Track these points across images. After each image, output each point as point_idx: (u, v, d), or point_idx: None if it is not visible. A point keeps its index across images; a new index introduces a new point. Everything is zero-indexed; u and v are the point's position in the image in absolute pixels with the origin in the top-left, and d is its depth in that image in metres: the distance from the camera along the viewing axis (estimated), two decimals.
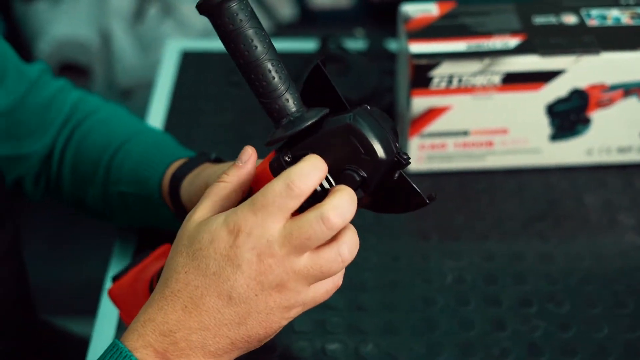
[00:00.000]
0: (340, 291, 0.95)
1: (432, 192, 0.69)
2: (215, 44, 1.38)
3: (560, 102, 1.07)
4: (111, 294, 0.88)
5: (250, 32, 0.67)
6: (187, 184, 0.88)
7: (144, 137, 0.99)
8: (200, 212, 0.69)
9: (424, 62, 1.03)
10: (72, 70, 2.00)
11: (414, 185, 0.69)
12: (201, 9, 0.68)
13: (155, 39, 1.96)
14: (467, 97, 1.06)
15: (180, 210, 0.89)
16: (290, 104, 0.69)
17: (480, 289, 0.98)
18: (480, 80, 1.04)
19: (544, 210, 1.08)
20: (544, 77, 1.05)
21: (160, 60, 1.34)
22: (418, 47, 1.05)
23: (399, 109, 1.14)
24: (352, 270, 0.97)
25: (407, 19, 1.09)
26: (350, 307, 0.96)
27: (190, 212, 0.69)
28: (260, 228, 0.64)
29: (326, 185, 0.68)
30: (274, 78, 0.68)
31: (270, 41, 0.69)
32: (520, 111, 1.07)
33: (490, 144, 1.10)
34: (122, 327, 0.95)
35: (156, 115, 1.23)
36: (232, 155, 0.87)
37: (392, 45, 1.29)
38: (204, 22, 1.95)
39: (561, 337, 0.93)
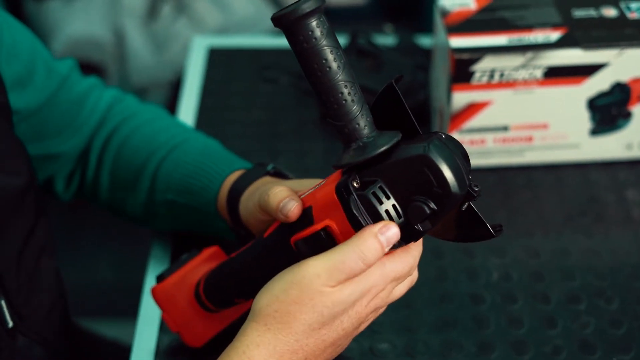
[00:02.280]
0: None
1: (497, 224, 0.67)
2: (242, 40, 1.37)
3: (601, 96, 1.05)
4: (154, 294, 0.86)
5: (326, 50, 0.65)
6: (246, 199, 0.85)
7: (192, 144, 0.96)
8: (337, 284, 0.68)
9: (465, 56, 1.02)
10: (86, 69, 1.98)
11: (482, 217, 0.67)
12: (277, 22, 0.65)
13: (170, 37, 1.94)
14: (508, 91, 1.04)
15: (237, 223, 0.87)
16: (362, 127, 0.67)
17: (528, 286, 0.97)
18: (522, 75, 1.03)
19: (585, 205, 1.07)
20: (586, 70, 1.03)
21: (186, 58, 1.33)
22: (459, 42, 1.03)
23: (435, 105, 1.12)
24: None
25: (444, 13, 1.08)
26: (397, 305, 0.94)
27: (323, 278, 0.68)
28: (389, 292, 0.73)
29: (393, 213, 0.66)
30: (346, 101, 0.66)
31: (346, 61, 0.66)
32: (561, 105, 1.06)
33: (529, 139, 1.09)
34: (164, 330, 0.93)
35: (186, 113, 1.21)
36: (261, 151, 0.86)
37: (423, 40, 1.28)
38: (219, 19, 1.93)
39: (613, 333, 0.92)
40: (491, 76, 1.03)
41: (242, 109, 1.22)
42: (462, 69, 1.02)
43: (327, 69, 0.65)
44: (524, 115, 1.07)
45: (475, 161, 1.10)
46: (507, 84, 1.04)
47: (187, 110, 1.21)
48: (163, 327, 0.94)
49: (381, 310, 0.75)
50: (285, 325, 0.69)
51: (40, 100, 0.94)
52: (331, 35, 0.66)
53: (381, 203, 0.66)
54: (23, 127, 0.93)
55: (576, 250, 1.01)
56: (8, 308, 0.85)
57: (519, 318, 0.93)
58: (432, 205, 0.65)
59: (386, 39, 1.30)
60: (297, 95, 1.24)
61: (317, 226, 0.70)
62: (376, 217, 0.67)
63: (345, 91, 0.66)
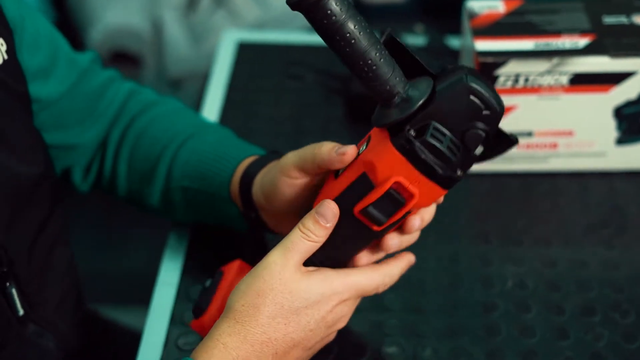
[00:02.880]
0: (397, 292, 0.94)
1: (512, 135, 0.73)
2: (272, 36, 1.37)
3: (629, 104, 1.03)
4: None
5: (349, 23, 0.67)
6: (260, 178, 0.87)
7: (208, 133, 0.97)
8: (293, 269, 0.74)
9: (490, 60, 1.01)
10: (123, 59, 1.99)
11: (502, 129, 0.72)
12: (296, 6, 0.66)
13: (208, 30, 1.94)
14: (533, 97, 1.03)
15: (249, 208, 0.88)
16: (397, 83, 0.69)
17: (542, 296, 0.95)
18: (547, 81, 1.01)
19: (608, 216, 1.05)
20: (613, 78, 1.01)
21: (215, 52, 1.33)
22: (484, 45, 1.02)
23: None
24: (411, 271, 0.95)
25: (472, 15, 1.06)
26: (408, 309, 0.94)
27: (279, 264, 0.73)
28: (352, 306, 0.79)
29: (454, 149, 0.69)
30: (377, 64, 0.68)
31: (366, 24, 0.68)
32: (587, 113, 1.04)
33: (554, 145, 1.07)
34: (175, 321, 0.93)
35: (211, 107, 1.21)
36: (286, 149, 0.85)
37: (453, 41, 1.27)
38: (257, 13, 1.93)
39: (626, 348, 0.90)
40: (516, 81, 1.02)
41: (268, 105, 1.22)
42: (486, 73, 1.01)
43: (352, 41, 0.67)
44: (548, 121, 1.05)
45: (498, 166, 1.09)
46: (532, 89, 1.02)
47: (213, 104, 1.21)
48: (173, 319, 0.94)
49: (341, 325, 0.79)
50: (252, 317, 0.73)
51: (61, 91, 0.95)
52: (349, 5, 0.67)
53: (441, 142, 0.69)
54: (43, 116, 0.94)
55: (595, 262, 0.99)
56: (19, 296, 0.86)
57: (531, 328, 0.92)
58: (485, 127, 0.69)
59: (416, 39, 1.29)
60: (323, 93, 1.23)
61: (385, 185, 0.71)
62: (441, 157, 0.70)
63: (374, 55, 0.68)
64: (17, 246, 0.85)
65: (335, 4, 0.66)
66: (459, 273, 0.98)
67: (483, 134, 0.69)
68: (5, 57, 0.85)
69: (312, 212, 0.74)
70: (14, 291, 0.85)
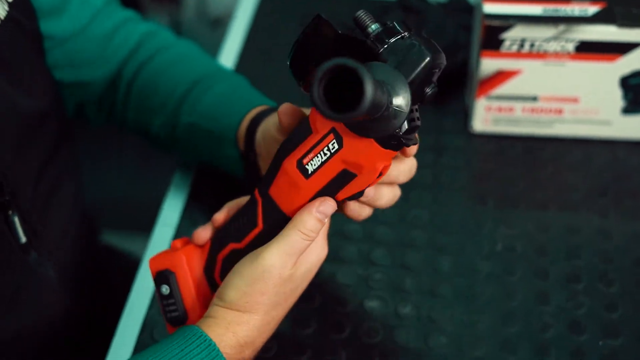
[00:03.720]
0: (386, 248, 0.96)
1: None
2: None
3: (635, 75, 1.03)
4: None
5: None
6: (262, 128, 0.90)
7: (222, 79, 1.00)
8: (291, 266, 0.77)
9: (496, 23, 1.01)
10: None
11: None
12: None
13: None
14: (538, 62, 1.03)
15: (250, 148, 0.92)
16: (385, 95, 0.66)
17: (530, 260, 0.97)
18: (553, 47, 1.01)
19: (608, 184, 1.05)
20: (620, 48, 1.01)
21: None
22: (492, 7, 1.02)
23: (471, 67, 1.12)
24: (402, 227, 0.97)
25: None
26: (395, 265, 0.96)
27: (278, 267, 0.76)
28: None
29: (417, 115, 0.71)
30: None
31: None
32: (592, 81, 1.04)
33: (559, 111, 1.07)
34: None
35: (229, 52, 1.23)
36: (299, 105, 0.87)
37: None
38: None
39: (606, 317, 0.91)
40: (521, 45, 1.02)
41: (285, 57, 1.23)
42: (492, 36, 1.02)
43: None
44: (554, 87, 1.05)
45: (502, 128, 1.10)
46: (538, 54, 1.02)
47: (230, 50, 1.24)
48: None
49: None
50: (257, 311, 0.78)
51: (73, 29, 0.99)
52: None
53: (419, 119, 0.71)
54: (56, 53, 0.98)
55: (588, 229, 1.00)
56: (21, 224, 0.90)
57: (513, 291, 0.94)
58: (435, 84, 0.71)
59: None
60: None
61: (374, 174, 0.73)
62: (414, 130, 0.71)
63: None
64: (21, 177, 0.89)
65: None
66: (451, 233, 1.00)
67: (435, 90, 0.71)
68: None
69: (312, 212, 0.75)
70: (16, 219, 0.89)
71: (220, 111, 0.96)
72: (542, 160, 1.08)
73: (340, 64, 0.59)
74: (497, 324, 0.91)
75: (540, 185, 1.05)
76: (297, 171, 0.74)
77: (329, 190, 0.74)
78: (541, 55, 1.02)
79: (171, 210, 1.04)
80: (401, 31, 0.70)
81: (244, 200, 0.84)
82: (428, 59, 0.68)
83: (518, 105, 1.07)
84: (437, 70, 0.70)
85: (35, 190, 0.92)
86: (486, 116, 1.08)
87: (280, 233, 0.76)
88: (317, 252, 0.80)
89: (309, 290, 0.83)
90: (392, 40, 0.69)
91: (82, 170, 1.08)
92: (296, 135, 0.75)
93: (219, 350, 0.75)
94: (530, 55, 1.02)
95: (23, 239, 0.91)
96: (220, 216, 0.85)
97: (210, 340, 0.75)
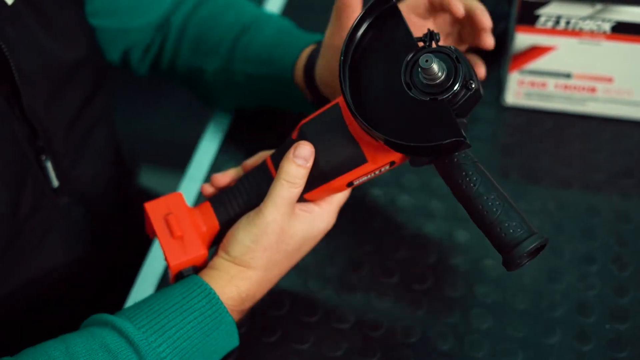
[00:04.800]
0: (406, 216, 0.98)
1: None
2: None
3: None
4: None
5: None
6: (321, 55, 0.92)
7: (271, 22, 1.02)
8: (289, 218, 0.81)
9: None
10: None
11: None
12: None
13: None
14: (573, 40, 1.02)
15: (312, 86, 0.94)
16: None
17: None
18: (589, 25, 1.01)
19: (633, 166, 1.05)
20: None
21: None
22: None
23: (508, 40, 1.11)
24: (422, 196, 0.99)
25: None
26: (412, 234, 0.98)
27: (278, 220, 0.80)
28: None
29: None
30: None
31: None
32: (627, 62, 1.03)
33: (592, 89, 1.07)
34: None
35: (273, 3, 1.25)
36: None
37: None
38: None
39: (615, 300, 0.92)
40: (557, 22, 1.01)
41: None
42: (527, 11, 1.01)
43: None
44: (588, 65, 1.05)
45: (534, 103, 1.10)
46: (573, 32, 1.02)
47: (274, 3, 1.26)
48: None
49: None
50: (260, 267, 0.81)
51: None
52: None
53: None
54: (97, 2, 1.00)
55: (608, 210, 1.00)
56: (54, 169, 0.94)
57: (525, 266, 0.94)
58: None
59: None
60: None
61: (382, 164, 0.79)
62: None
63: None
64: (55, 123, 0.93)
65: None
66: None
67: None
68: None
69: (290, 158, 0.78)
70: (49, 164, 0.93)
71: (273, 54, 0.98)
72: (570, 138, 1.08)
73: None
74: (506, 298, 0.93)
75: (565, 163, 1.06)
76: (345, 187, 0.81)
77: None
78: (576, 33, 1.02)
79: (207, 150, 1.08)
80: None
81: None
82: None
83: (551, 81, 1.07)
84: None
85: (68, 136, 0.95)
86: (519, 90, 1.09)
87: (270, 188, 0.79)
88: (326, 220, 0.82)
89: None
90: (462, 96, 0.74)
91: (115, 117, 1.11)
92: (345, 159, 0.78)
93: (218, 299, 0.79)
94: (566, 32, 1.02)
95: (55, 183, 0.94)
96: (250, 162, 0.88)
97: (211, 289, 0.79)
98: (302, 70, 0.95)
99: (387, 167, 0.79)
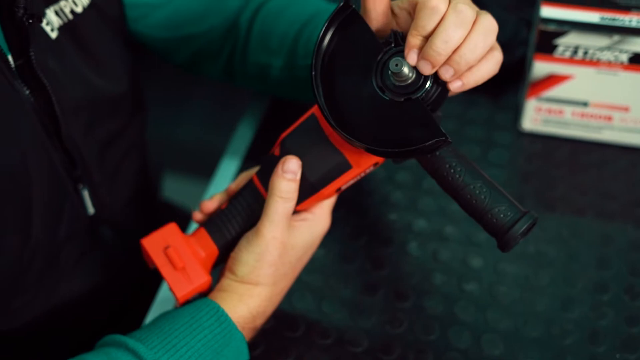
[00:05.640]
0: (421, 239, 0.99)
1: None
2: None
3: None
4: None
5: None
6: None
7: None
8: (287, 232, 0.83)
9: (551, 28, 1.01)
10: None
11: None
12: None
13: None
14: (590, 69, 1.03)
15: None
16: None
17: (559, 265, 0.99)
18: (606, 56, 1.02)
19: None
20: None
21: None
22: (550, 11, 1.02)
23: (526, 66, 1.12)
24: (438, 220, 1.01)
25: None
26: (426, 257, 0.99)
27: (278, 237, 0.82)
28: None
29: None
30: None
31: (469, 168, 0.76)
32: None
33: (609, 118, 1.08)
34: None
35: None
36: None
37: None
38: None
39: (626, 330, 0.93)
40: (575, 52, 1.02)
41: None
42: (546, 40, 1.02)
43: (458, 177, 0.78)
44: (605, 94, 1.06)
45: (551, 129, 1.11)
46: (591, 62, 1.03)
47: None
48: None
49: None
50: (267, 283, 0.84)
51: None
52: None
53: None
54: (158, 15, 1.02)
55: (622, 239, 1.01)
56: (91, 197, 0.96)
57: (539, 294, 0.96)
58: None
59: None
60: None
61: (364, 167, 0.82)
62: None
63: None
64: (92, 153, 0.95)
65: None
66: (484, 231, 1.02)
67: None
68: None
69: (279, 174, 0.81)
70: (85, 193, 0.95)
71: None
72: (586, 165, 1.09)
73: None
74: (518, 325, 0.94)
75: (581, 190, 1.06)
76: (334, 193, 0.83)
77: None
78: (594, 63, 1.03)
79: (232, 159, 1.11)
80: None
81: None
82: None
83: (568, 109, 1.08)
84: None
85: (103, 164, 0.97)
86: (536, 116, 1.10)
87: (265, 206, 0.82)
88: (321, 224, 0.86)
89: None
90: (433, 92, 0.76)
91: (148, 141, 1.13)
92: (330, 168, 0.81)
93: (227, 316, 0.80)
94: (584, 62, 1.03)
95: (91, 210, 0.97)
96: (234, 185, 0.90)
97: (219, 307, 0.81)
98: None
99: (372, 168, 0.81)
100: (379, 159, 0.80)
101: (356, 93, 0.77)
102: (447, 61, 0.73)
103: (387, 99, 0.76)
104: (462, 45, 0.73)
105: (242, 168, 1.11)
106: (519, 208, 0.75)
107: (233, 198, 0.87)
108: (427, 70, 0.73)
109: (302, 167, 0.81)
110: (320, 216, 0.86)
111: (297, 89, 1.04)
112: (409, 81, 0.75)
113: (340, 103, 0.77)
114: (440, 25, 0.72)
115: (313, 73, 0.77)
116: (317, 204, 0.86)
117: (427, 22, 0.72)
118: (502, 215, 0.74)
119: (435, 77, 0.75)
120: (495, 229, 0.75)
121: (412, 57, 0.74)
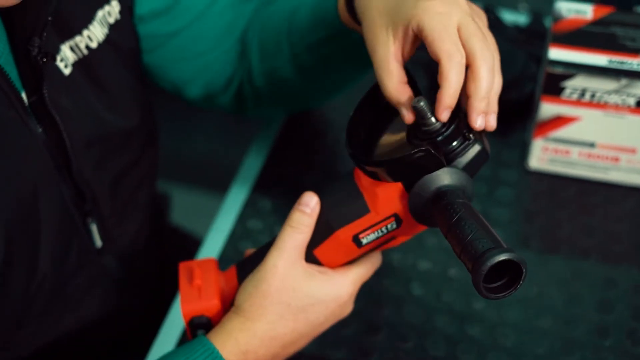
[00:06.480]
0: (423, 278, 0.99)
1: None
2: None
3: None
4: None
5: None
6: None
7: None
8: (293, 267, 0.81)
9: (558, 71, 1.02)
10: None
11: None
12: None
13: None
14: (598, 112, 1.04)
15: (355, 16, 0.86)
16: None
17: (559, 308, 0.99)
18: (614, 99, 1.02)
19: None
20: None
21: None
22: (557, 54, 1.03)
23: (535, 105, 1.13)
24: (441, 258, 1.01)
25: (557, 18, 1.06)
26: (429, 297, 1.00)
27: (279, 266, 0.81)
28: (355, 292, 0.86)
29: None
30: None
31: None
32: None
33: (616, 159, 1.08)
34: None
35: None
36: None
37: None
38: None
39: None
40: (582, 94, 1.03)
41: None
42: (553, 82, 1.03)
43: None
44: (611, 136, 1.06)
45: (558, 169, 1.11)
46: (598, 104, 1.03)
47: None
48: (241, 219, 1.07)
49: (349, 310, 0.87)
50: (261, 316, 0.81)
51: (190, 18, 1.02)
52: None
53: None
54: (172, 45, 1.02)
55: (625, 283, 1.01)
56: (99, 231, 0.97)
57: (540, 337, 0.96)
58: None
59: (517, 17, 1.29)
60: None
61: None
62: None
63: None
64: (102, 186, 0.95)
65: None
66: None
67: None
68: (118, 17, 0.94)
69: (295, 206, 0.81)
70: (94, 227, 0.96)
71: (317, 17, 0.94)
72: (592, 205, 1.09)
73: (510, 260, 0.66)
74: None
75: (586, 232, 1.06)
76: (352, 243, 0.81)
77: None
78: (601, 105, 1.03)
79: (249, 174, 1.14)
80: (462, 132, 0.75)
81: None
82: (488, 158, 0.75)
83: (575, 149, 1.08)
84: None
85: (114, 198, 0.98)
86: (542, 155, 1.10)
87: (276, 237, 0.82)
88: (337, 287, 0.83)
89: None
90: (457, 143, 0.75)
91: (157, 174, 1.14)
92: (348, 207, 0.80)
93: (221, 357, 0.80)
94: (591, 104, 1.03)
95: (99, 244, 0.97)
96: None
97: (214, 349, 0.80)
98: (344, 6, 0.89)
99: (393, 223, 0.78)
100: (397, 209, 0.78)
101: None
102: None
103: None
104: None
105: (253, 192, 1.12)
106: (501, 243, 0.69)
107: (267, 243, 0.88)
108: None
109: (324, 207, 0.81)
110: (340, 277, 0.83)
111: (307, 82, 1.01)
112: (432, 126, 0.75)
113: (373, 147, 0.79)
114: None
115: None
116: (342, 268, 0.84)
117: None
118: (479, 246, 0.68)
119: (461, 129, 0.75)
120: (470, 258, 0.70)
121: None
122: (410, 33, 0.75)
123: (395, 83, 0.76)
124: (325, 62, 0.98)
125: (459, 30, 0.74)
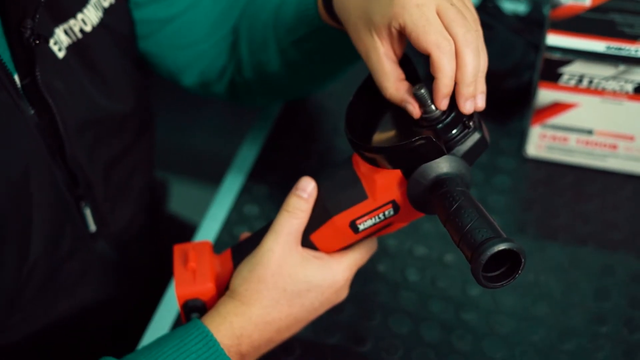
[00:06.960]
0: (420, 265, 0.99)
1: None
2: None
3: None
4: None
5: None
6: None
7: None
8: (289, 252, 0.81)
9: (556, 57, 1.01)
10: None
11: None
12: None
13: None
14: (595, 98, 1.03)
15: (336, 18, 0.86)
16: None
17: (556, 296, 0.98)
18: (611, 85, 1.01)
19: None
20: None
21: None
22: (555, 40, 1.02)
23: (533, 92, 1.12)
24: (438, 245, 1.00)
25: (556, 5, 1.06)
26: (424, 283, 0.99)
27: (276, 251, 0.81)
28: (351, 277, 0.86)
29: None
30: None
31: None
32: None
33: (614, 146, 1.07)
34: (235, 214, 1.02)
35: None
36: None
37: None
38: None
39: None
40: (580, 81, 1.02)
41: None
42: (550, 68, 1.02)
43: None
44: (609, 123, 1.05)
45: (555, 156, 1.10)
46: (595, 91, 1.02)
47: None
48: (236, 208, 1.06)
49: (344, 295, 0.86)
50: (256, 301, 0.81)
51: (186, 3, 1.01)
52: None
53: None
54: (167, 31, 1.02)
55: (623, 271, 1.01)
56: (93, 215, 0.96)
57: (536, 325, 0.96)
58: None
59: (516, 5, 1.28)
60: None
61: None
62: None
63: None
64: (96, 170, 0.95)
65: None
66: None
67: None
68: (113, 1, 0.94)
69: (292, 191, 0.81)
70: (88, 211, 0.96)
71: (300, 14, 0.94)
72: (590, 193, 1.09)
73: (509, 249, 0.66)
74: (515, 356, 0.93)
75: (583, 219, 1.06)
76: (349, 229, 0.80)
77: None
78: (599, 92, 1.02)
79: (243, 164, 1.13)
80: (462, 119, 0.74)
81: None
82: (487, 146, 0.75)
83: (572, 136, 1.07)
84: None
85: (108, 183, 0.98)
86: (540, 143, 1.09)
87: (273, 222, 0.82)
88: (333, 273, 0.83)
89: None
90: (457, 131, 0.74)
91: (154, 161, 1.13)
92: (345, 193, 0.79)
93: (215, 341, 0.79)
94: (588, 91, 1.02)
95: (93, 228, 0.97)
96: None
97: (208, 331, 0.79)
98: (323, 8, 0.89)
99: (391, 210, 0.78)
100: (396, 196, 0.77)
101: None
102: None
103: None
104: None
105: (249, 179, 1.11)
106: (500, 232, 0.69)
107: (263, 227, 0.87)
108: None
109: (322, 192, 0.81)
110: (336, 263, 0.83)
111: (294, 76, 1.01)
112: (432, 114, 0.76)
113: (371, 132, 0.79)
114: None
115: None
116: (338, 254, 0.84)
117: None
118: (479, 235, 0.68)
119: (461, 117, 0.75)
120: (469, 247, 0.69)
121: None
122: (394, 32, 0.75)
123: (393, 83, 0.77)
124: (310, 56, 0.98)
125: (439, 17, 0.73)
